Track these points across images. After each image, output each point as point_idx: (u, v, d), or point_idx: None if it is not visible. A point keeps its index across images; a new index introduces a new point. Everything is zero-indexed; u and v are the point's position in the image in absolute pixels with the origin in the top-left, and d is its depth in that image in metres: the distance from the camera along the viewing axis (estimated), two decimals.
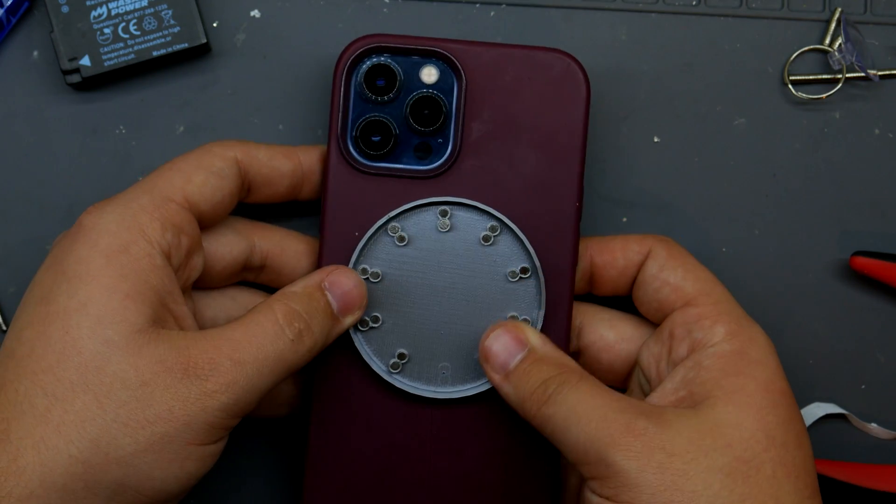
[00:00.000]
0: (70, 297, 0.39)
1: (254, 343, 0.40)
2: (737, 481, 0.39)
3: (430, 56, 0.45)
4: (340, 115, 0.45)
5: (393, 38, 0.45)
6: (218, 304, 0.45)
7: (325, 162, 0.45)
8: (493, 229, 0.45)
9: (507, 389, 0.42)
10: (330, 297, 0.43)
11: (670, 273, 0.45)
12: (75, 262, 0.39)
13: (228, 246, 0.45)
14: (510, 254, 0.45)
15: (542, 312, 0.44)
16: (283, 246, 0.46)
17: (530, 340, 0.43)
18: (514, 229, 0.44)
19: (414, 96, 0.45)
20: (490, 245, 0.45)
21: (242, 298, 0.46)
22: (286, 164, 0.44)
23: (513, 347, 0.42)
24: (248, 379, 0.39)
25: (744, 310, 0.44)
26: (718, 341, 0.42)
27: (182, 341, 0.39)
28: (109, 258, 0.39)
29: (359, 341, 0.44)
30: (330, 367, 0.44)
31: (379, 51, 0.45)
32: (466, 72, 0.45)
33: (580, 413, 0.39)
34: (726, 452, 0.39)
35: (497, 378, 0.42)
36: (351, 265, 0.44)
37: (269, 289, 0.47)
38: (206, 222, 0.43)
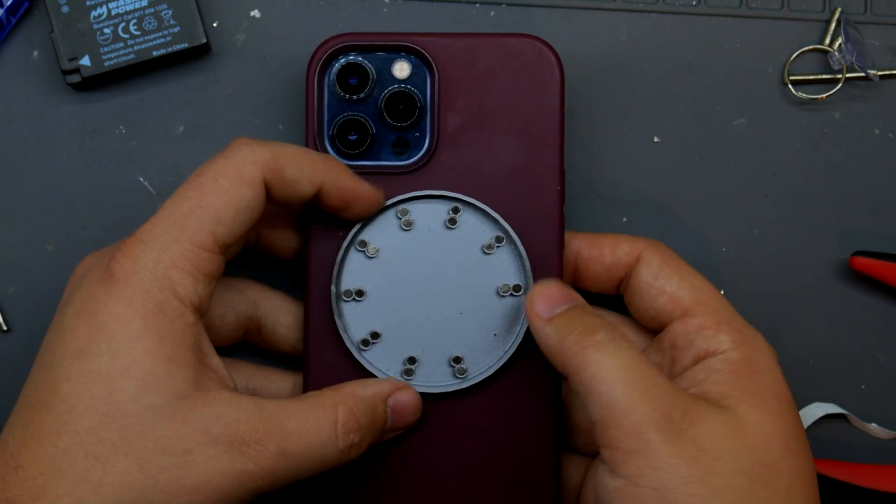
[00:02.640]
0: (113, 359, 0.38)
1: (304, 440, 0.40)
2: (757, 485, 0.39)
3: (400, 51, 0.45)
4: (316, 115, 0.45)
5: (362, 35, 0.45)
6: (225, 299, 0.45)
7: None
8: (498, 240, 0.45)
9: (547, 331, 0.41)
10: (389, 412, 0.43)
11: (665, 281, 0.44)
12: (113, 320, 0.39)
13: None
14: (506, 267, 0.45)
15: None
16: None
17: (579, 298, 0.42)
18: (516, 242, 0.44)
19: (387, 92, 0.45)
20: (491, 254, 0.45)
21: (250, 292, 0.46)
22: (306, 188, 0.42)
23: (562, 298, 0.42)
24: (287, 471, 0.39)
25: (742, 316, 0.44)
26: (727, 349, 0.42)
27: (231, 412, 0.39)
28: (147, 319, 0.39)
29: (338, 312, 0.44)
30: (316, 339, 0.45)
31: (349, 49, 0.45)
32: (438, 64, 0.45)
33: (627, 377, 0.39)
34: (750, 455, 0.39)
35: (539, 321, 0.41)
36: (349, 237, 0.44)
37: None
38: (229, 252, 0.43)
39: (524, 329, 0.44)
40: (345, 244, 0.44)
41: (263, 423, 0.39)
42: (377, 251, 0.44)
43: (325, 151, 0.45)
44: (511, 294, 0.45)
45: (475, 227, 0.45)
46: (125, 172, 0.50)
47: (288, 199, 0.42)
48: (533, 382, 0.44)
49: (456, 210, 0.45)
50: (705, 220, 0.50)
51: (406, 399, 0.44)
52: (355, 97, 0.45)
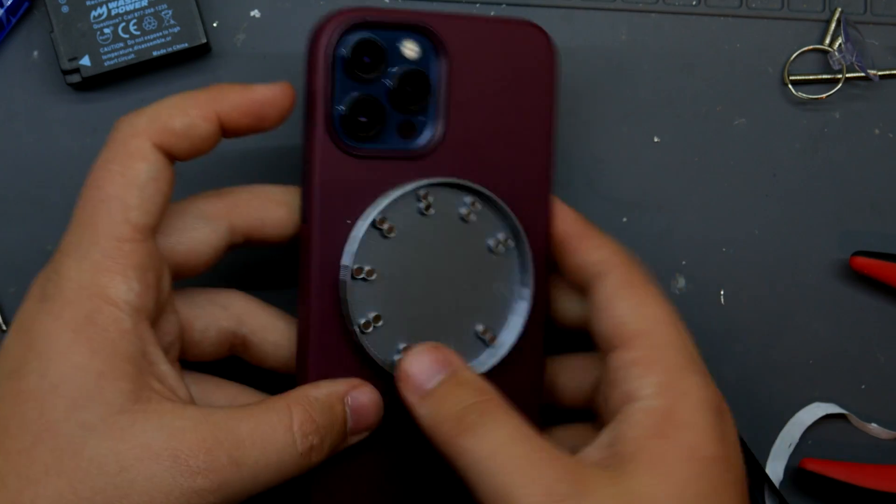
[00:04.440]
0: (42, 377, 0.36)
1: (258, 446, 0.37)
2: None
3: (411, 30, 0.43)
4: (323, 95, 0.41)
5: (376, 11, 0.42)
6: (208, 314, 0.43)
7: (310, 146, 0.42)
8: (472, 204, 0.43)
9: (422, 411, 0.39)
10: (349, 412, 0.40)
11: (617, 305, 0.41)
12: (43, 337, 0.37)
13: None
14: (492, 226, 0.44)
15: (528, 276, 0.44)
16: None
17: (453, 363, 0.40)
18: (494, 199, 0.43)
19: (400, 72, 0.43)
20: (471, 221, 0.44)
21: (235, 307, 0.43)
22: (205, 127, 0.39)
23: (433, 369, 0.40)
24: (243, 483, 0.37)
25: (693, 351, 0.40)
26: (647, 395, 0.39)
27: (176, 422, 0.36)
28: (76, 332, 0.36)
29: (365, 343, 0.43)
30: (334, 369, 0.43)
31: (362, 26, 0.42)
32: (448, 45, 0.43)
33: (501, 461, 0.37)
34: None
35: (413, 398, 0.40)
36: (345, 261, 0.42)
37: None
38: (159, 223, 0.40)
39: (531, 276, 0.44)
40: (343, 278, 0.42)
41: (212, 431, 0.36)
42: (374, 274, 0.42)
43: (336, 137, 0.42)
44: (504, 248, 0.44)
45: (449, 201, 0.43)
46: None
47: (196, 149, 0.39)
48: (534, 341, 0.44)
49: (425, 196, 0.43)
50: (705, 220, 0.50)
51: (364, 398, 0.41)
52: (367, 77, 0.42)
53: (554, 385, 0.46)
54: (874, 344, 0.51)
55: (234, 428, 0.37)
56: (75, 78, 0.48)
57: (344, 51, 0.42)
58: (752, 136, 0.51)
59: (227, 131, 0.40)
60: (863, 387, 0.51)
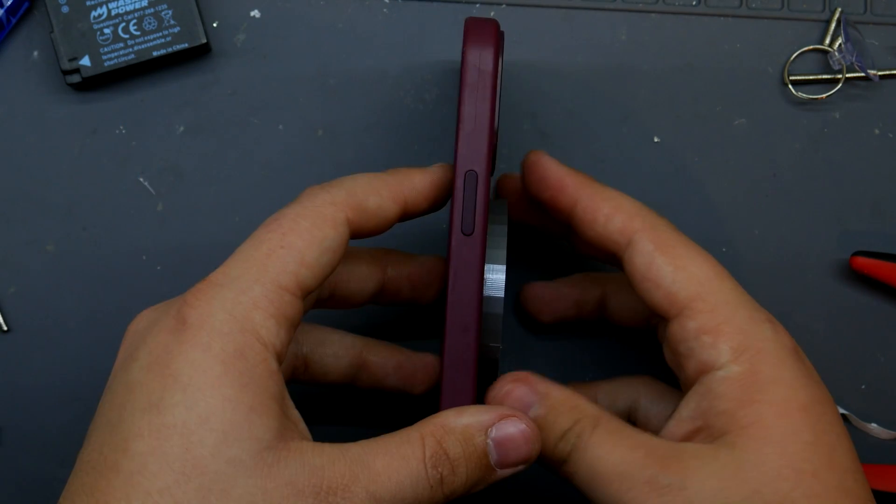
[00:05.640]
0: (189, 410, 0.34)
1: (394, 479, 0.36)
2: None
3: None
4: (493, 108, 0.39)
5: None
6: None
7: (474, 158, 0.39)
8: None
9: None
10: (492, 445, 0.38)
11: (659, 272, 0.40)
12: (189, 367, 0.35)
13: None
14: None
15: None
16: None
17: (539, 388, 0.40)
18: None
19: None
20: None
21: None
22: (393, 209, 0.40)
23: (526, 399, 0.40)
24: None
25: (748, 298, 0.40)
26: (726, 362, 0.38)
27: (316, 459, 0.35)
28: (227, 364, 0.35)
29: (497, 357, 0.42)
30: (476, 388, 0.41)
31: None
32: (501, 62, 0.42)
33: (601, 472, 0.38)
34: (754, 500, 0.36)
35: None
36: (500, 275, 0.41)
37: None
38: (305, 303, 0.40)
39: None
40: (498, 294, 0.41)
41: (349, 467, 0.36)
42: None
43: (497, 139, 0.40)
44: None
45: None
46: (125, 172, 0.50)
47: (375, 230, 0.40)
48: None
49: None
50: (705, 220, 0.50)
51: (513, 429, 0.38)
52: None
53: (608, 303, 0.47)
54: (874, 344, 0.51)
55: (370, 462, 0.36)
56: (75, 78, 0.48)
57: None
58: (752, 136, 0.51)
59: (405, 215, 0.40)
60: (863, 387, 0.51)
